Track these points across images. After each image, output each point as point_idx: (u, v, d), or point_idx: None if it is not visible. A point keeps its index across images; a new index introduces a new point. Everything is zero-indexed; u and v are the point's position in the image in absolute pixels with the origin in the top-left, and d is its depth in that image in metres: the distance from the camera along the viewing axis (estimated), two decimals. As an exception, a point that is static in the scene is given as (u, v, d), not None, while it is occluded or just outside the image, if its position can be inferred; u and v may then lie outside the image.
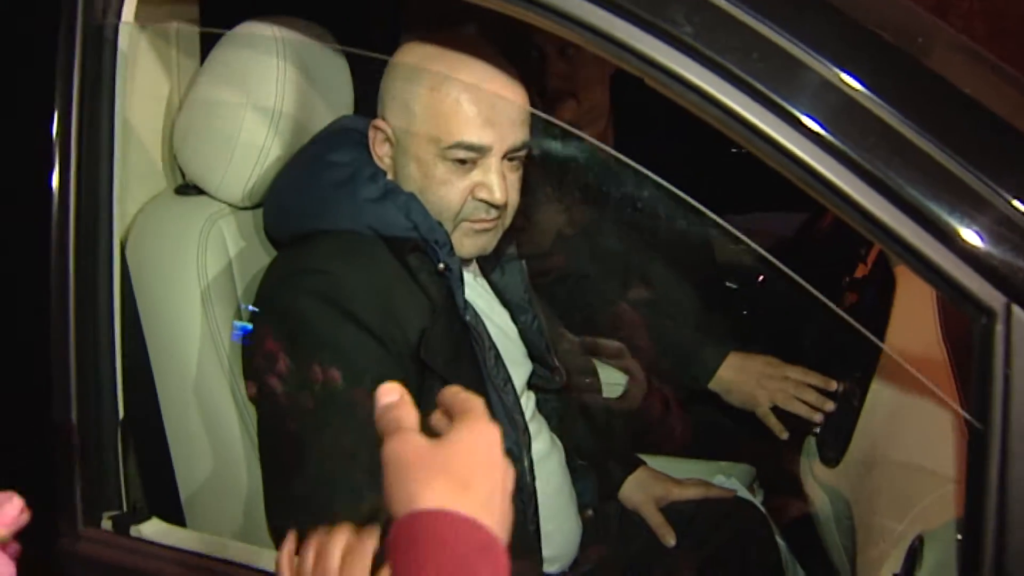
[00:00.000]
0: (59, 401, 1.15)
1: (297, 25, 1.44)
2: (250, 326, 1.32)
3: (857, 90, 0.92)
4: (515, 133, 1.33)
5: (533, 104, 2.07)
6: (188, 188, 1.46)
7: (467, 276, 1.46)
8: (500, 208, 1.36)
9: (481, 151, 1.32)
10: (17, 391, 1.21)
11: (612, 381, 2.06)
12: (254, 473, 1.33)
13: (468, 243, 1.38)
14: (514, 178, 1.38)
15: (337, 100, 1.50)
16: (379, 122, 1.37)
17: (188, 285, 1.35)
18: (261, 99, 1.37)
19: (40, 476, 1.13)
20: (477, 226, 1.37)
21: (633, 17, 0.91)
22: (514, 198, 1.39)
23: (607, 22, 0.93)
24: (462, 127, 1.30)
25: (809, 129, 0.90)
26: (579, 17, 0.93)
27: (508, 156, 1.34)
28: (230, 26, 1.44)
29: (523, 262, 1.55)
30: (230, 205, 1.44)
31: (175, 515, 1.36)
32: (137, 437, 1.27)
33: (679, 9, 0.91)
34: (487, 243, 1.40)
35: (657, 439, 2.11)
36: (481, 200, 1.34)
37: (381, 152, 1.38)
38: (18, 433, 1.17)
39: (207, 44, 1.47)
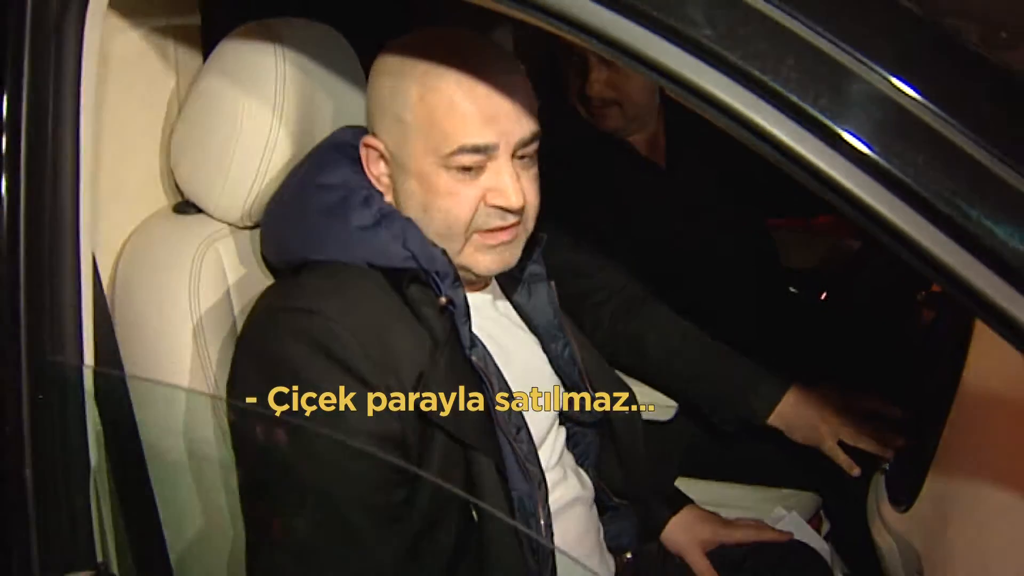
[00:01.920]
0: (11, 445, 1.04)
1: (302, 26, 1.32)
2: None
3: (914, 100, 0.75)
4: (521, 125, 1.19)
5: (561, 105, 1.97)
6: (187, 206, 1.34)
7: (485, 301, 1.33)
8: (517, 213, 1.21)
9: (487, 151, 1.17)
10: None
11: (663, 403, 1.92)
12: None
13: (485, 259, 1.24)
14: (529, 176, 1.23)
15: (346, 109, 1.37)
16: (369, 139, 1.24)
17: (178, 313, 1.23)
18: (258, 110, 1.24)
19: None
20: (492, 239, 1.22)
21: (642, 18, 0.75)
22: (533, 199, 1.24)
23: (613, 25, 0.78)
24: (461, 129, 1.16)
25: (852, 148, 0.73)
26: (580, 20, 0.78)
27: (518, 153, 1.20)
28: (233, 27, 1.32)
29: (552, 283, 1.41)
30: (230, 225, 1.32)
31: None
32: (115, 486, 1.16)
33: (697, 7, 0.75)
34: (509, 256, 1.26)
35: (711, 464, 1.97)
36: (495, 207, 1.20)
37: (376, 172, 1.25)
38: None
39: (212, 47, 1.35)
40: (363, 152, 1.25)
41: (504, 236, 1.23)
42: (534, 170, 1.25)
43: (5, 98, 1.04)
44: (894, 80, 0.75)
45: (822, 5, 0.77)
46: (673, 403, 1.92)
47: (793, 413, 1.71)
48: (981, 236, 0.75)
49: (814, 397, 1.70)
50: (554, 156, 1.77)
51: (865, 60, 0.75)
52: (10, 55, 1.03)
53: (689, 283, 2.02)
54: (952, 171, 0.74)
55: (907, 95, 0.75)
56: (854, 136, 0.74)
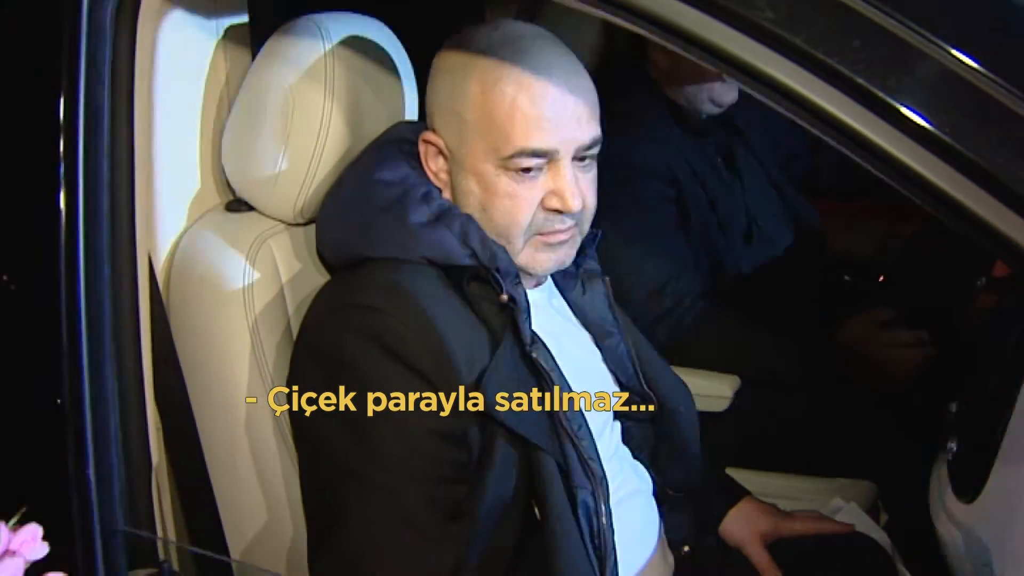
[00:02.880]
0: (75, 445, 1.05)
1: (350, 21, 1.31)
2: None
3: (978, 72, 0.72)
4: (583, 130, 1.18)
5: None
6: (239, 204, 1.34)
7: (541, 297, 1.32)
8: (576, 215, 1.21)
9: (547, 155, 1.17)
10: (28, 439, 1.10)
11: (717, 394, 1.90)
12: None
13: (543, 258, 1.24)
14: (588, 179, 1.23)
15: (398, 104, 1.36)
16: (428, 135, 1.23)
17: (233, 311, 1.23)
18: (308, 107, 1.24)
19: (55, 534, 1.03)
20: (551, 239, 1.22)
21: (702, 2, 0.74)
22: (590, 202, 1.24)
23: (670, 9, 0.76)
24: (522, 132, 1.15)
25: (915, 125, 0.71)
26: (637, 5, 0.76)
27: (578, 156, 1.19)
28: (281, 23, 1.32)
29: (607, 279, 1.40)
30: (282, 222, 1.32)
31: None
32: (178, 487, 1.17)
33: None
34: (565, 255, 1.25)
35: (767, 455, 1.95)
36: (553, 210, 1.20)
37: (435, 167, 1.24)
38: (28, 486, 1.07)
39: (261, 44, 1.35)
40: (422, 148, 1.24)
41: (562, 236, 1.22)
42: (593, 172, 1.24)
43: (62, 98, 1.05)
44: (958, 54, 0.72)
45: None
46: (728, 394, 1.91)
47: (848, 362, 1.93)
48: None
49: (865, 344, 1.93)
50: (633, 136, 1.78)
51: (929, 36, 0.72)
52: (66, 54, 1.04)
53: (743, 271, 2.02)
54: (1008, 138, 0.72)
55: (966, 64, 0.73)
56: (917, 114, 0.72)
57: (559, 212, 1.19)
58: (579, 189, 1.19)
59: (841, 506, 1.77)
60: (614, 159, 1.68)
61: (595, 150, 1.21)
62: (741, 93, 1.94)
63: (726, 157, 2.05)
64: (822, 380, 1.99)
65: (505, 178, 1.18)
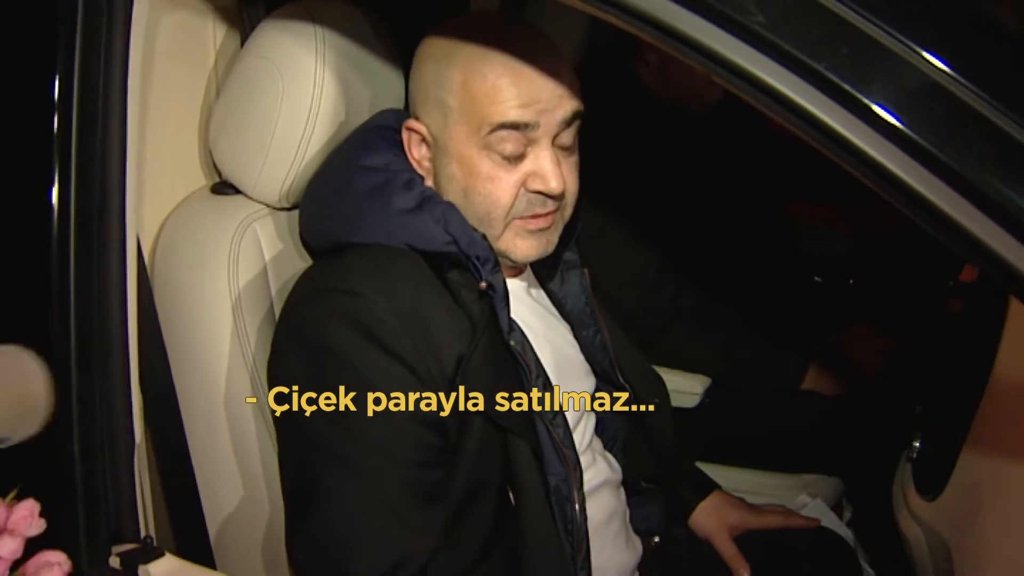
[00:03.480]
0: (62, 421, 1.06)
1: (341, 7, 1.32)
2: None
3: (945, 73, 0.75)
4: (563, 106, 1.19)
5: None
6: (225, 187, 1.35)
7: (520, 287, 1.34)
8: (557, 198, 1.22)
9: (526, 129, 1.18)
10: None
11: (687, 390, 1.93)
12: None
13: (523, 245, 1.24)
14: (571, 164, 1.24)
15: (385, 92, 1.37)
16: (412, 123, 1.25)
17: (217, 292, 1.24)
18: (297, 92, 1.25)
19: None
20: (532, 224, 1.23)
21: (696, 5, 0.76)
22: (572, 186, 1.25)
23: (665, 11, 0.78)
24: (501, 109, 1.16)
25: (888, 124, 0.74)
26: (630, 4, 0.78)
27: (559, 140, 1.20)
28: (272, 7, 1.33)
29: (585, 270, 1.41)
30: (268, 206, 1.33)
31: (203, 553, 1.26)
32: (159, 463, 1.18)
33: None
34: (547, 242, 1.26)
35: (736, 450, 1.98)
36: (536, 192, 1.21)
37: (418, 155, 1.25)
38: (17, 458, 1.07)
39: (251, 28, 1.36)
40: (405, 136, 1.25)
41: (543, 222, 1.23)
42: (575, 158, 1.25)
43: (57, 79, 1.05)
44: (930, 58, 0.75)
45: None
46: (698, 391, 1.94)
47: (822, 374, 1.98)
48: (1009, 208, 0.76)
49: (836, 353, 1.99)
50: (612, 131, 1.80)
51: (905, 40, 0.75)
52: (62, 34, 1.04)
53: (716, 269, 2.04)
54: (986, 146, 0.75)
55: (947, 74, 0.76)
56: (890, 114, 0.74)
57: (541, 194, 1.21)
58: (560, 171, 1.20)
59: (807, 502, 1.81)
60: (597, 154, 1.69)
61: (574, 129, 1.22)
62: (725, 92, 1.96)
63: (706, 156, 2.06)
64: (793, 384, 2.03)
65: (488, 161, 1.19)
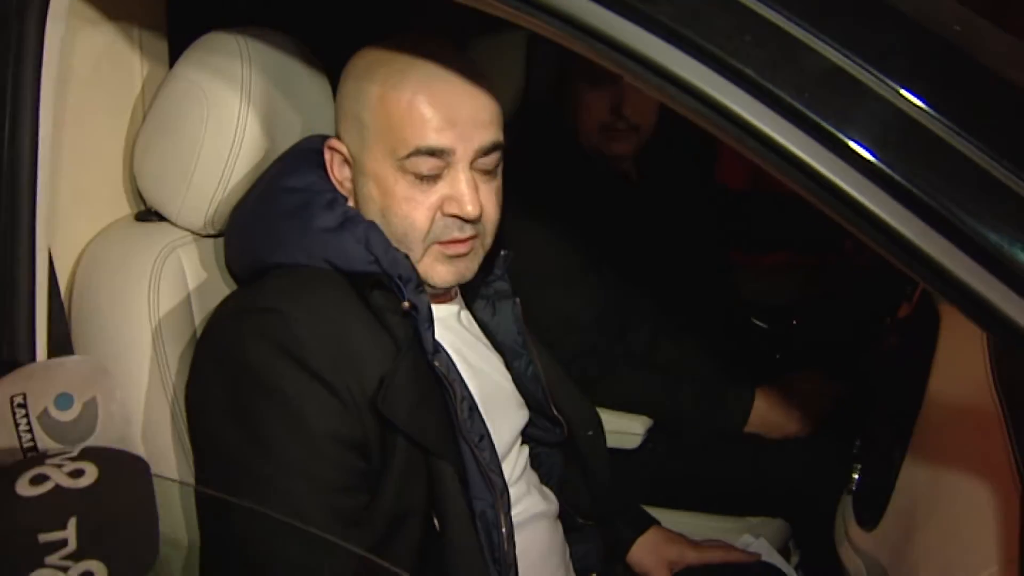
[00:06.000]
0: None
1: (269, 37, 1.32)
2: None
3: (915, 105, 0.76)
4: (481, 134, 1.18)
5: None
6: (149, 214, 1.32)
7: (450, 314, 1.32)
8: (474, 222, 1.20)
9: (443, 155, 1.16)
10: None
11: (628, 431, 1.91)
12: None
13: (442, 270, 1.22)
14: (490, 189, 1.22)
15: (314, 119, 1.36)
16: (333, 142, 1.24)
17: (137, 319, 1.21)
18: (223, 116, 1.23)
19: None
20: (450, 249, 1.21)
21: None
22: (491, 212, 1.23)
23: (579, 7, 0.78)
24: (418, 132, 1.15)
25: (856, 155, 0.74)
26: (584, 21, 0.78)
27: (478, 163, 1.19)
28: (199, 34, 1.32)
29: (517, 300, 1.40)
30: (193, 232, 1.31)
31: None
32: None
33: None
34: (465, 268, 1.24)
35: (679, 493, 1.96)
36: (452, 216, 1.19)
37: (340, 176, 1.24)
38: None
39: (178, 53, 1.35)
40: (327, 155, 1.24)
41: (461, 248, 1.21)
42: (495, 183, 1.24)
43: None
44: (901, 91, 0.76)
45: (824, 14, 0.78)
46: (639, 431, 1.92)
47: (765, 416, 1.95)
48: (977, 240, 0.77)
49: (780, 396, 1.96)
50: (547, 179, 1.80)
51: (873, 71, 0.76)
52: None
53: (658, 312, 2.03)
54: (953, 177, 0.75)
55: (914, 104, 0.77)
56: (859, 144, 0.75)
57: (458, 218, 1.19)
58: (477, 196, 1.18)
59: (751, 541, 1.78)
60: (532, 199, 1.69)
61: (494, 157, 1.21)
62: (635, 145, 1.99)
63: (645, 204, 2.07)
64: (736, 427, 2.01)
65: (404, 182, 1.18)
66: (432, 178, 1.18)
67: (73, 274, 1.25)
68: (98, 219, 1.31)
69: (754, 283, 2.45)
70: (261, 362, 1.09)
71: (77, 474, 0.90)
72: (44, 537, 0.86)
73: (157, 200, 1.30)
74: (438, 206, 1.18)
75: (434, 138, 1.15)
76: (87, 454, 0.93)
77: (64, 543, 0.87)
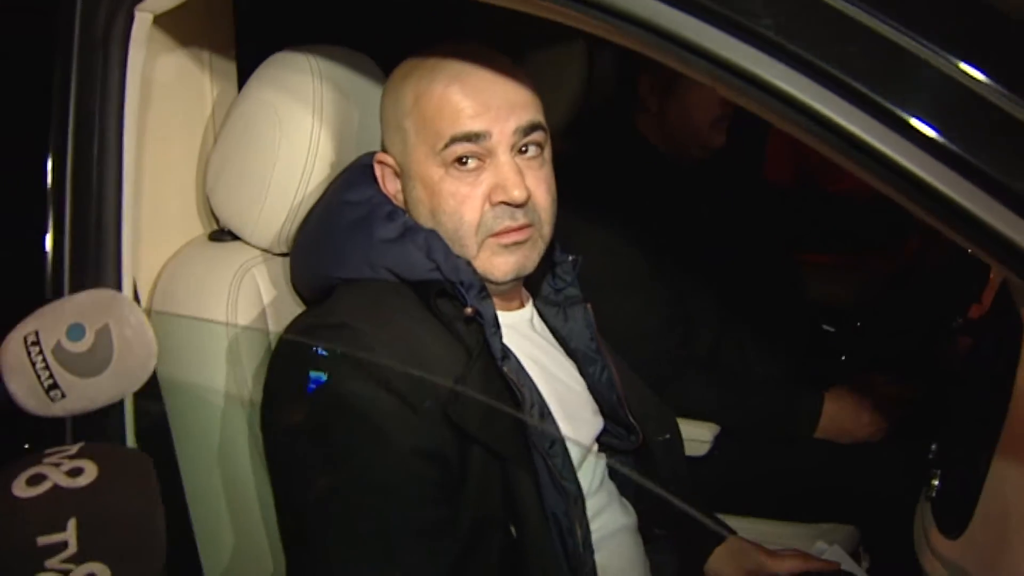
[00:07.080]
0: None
1: (337, 54, 1.32)
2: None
3: (981, 82, 0.74)
4: (518, 114, 1.17)
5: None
6: (223, 234, 1.34)
7: (523, 319, 1.31)
8: (524, 206, 1.18)
9: (479, 139, 1.16)
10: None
11: (696, 438, 1.89)
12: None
13: (500, 261, 1.21)
14: (537, 176, 1.21)
15: (379, 135, 1.37)
16: (381, 156, 1.25)
17: (215, 338, 1.22)
18: (296, 134, 1.24)
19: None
20: (505, 239, 1.19)
21: (701, 12, 0.75)
22: (542, 198, 1.21)
23: (670, 20, 0.77)
24: (453, 121, 1.16)
25: (921, 134, 0.72)
26: (635, 15, 0.77)
27: (520, 146, 1.18)
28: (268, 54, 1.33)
29: (588, 305, 1.39)
30: (266, 251, 1.31)
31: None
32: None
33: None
34: (524, 258, 1.22)
35: (747, 499, 1.93)
36: (501, 203, 1.18)
37: (392, 189, 1.25)
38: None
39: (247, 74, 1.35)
40: (378, 170, 1.25)
41: (517, 236, 1.20)
42: (544, 170, 1.22)
43: (53, 119, 1.04)
44: (959, 63, 0.74)
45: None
46: (708, 439, 1.90)
47: (836, 421, 1.93)
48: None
49: (850, 400, 1.93)
50: (615, 184, 1.79)
51: (929, 44, 0.74)
52: (58, 74, 1.03)
53: (724, 317, 2.02)
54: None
55: (972, 77, 0.74)
56: (921, 121, 0.73)
57: (507, 205, 1.18)
58: (523, 180, 1.17)
59: (824, 548, 1.76)
60: (598, 204, 1.68)
61: (536, 137, 1.19)
62: (728, 138, 1.97)
63: (709, 204, 2.06)
64: (806, 433, 1.99)
65: (448, 178, 1.18)
66: (476, 170, 1.17)
67: (151, 296, 1.26)
68: (173, 240, 1.33)
69: (816, 285, 2.42)
70: (336, 379, 1.09)
71: (76, 473, 0.88)
72: (43, 540, 0.84)
73: (231, 220, 1.31)
74: (486, 197, 1.18)
75: (468, 124, 1.15)
76: (86, 452, 0.91)
77: (64, 545, 0.84)
